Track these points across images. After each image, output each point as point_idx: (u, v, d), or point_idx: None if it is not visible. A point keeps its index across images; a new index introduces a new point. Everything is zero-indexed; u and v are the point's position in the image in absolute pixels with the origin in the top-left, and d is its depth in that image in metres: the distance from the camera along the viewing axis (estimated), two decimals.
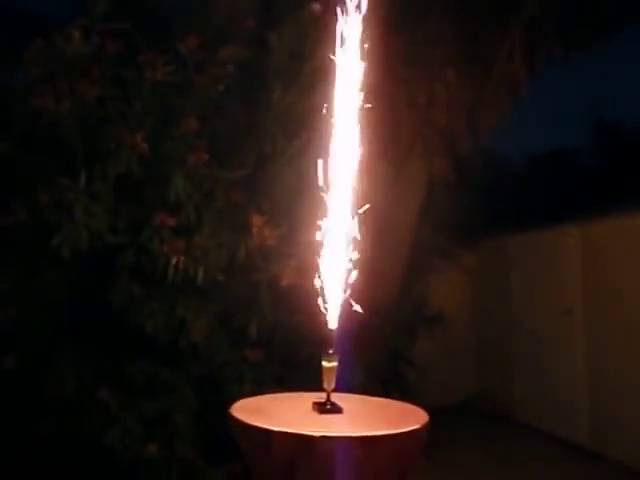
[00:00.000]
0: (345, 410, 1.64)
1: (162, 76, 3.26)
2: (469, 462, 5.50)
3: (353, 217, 1.70)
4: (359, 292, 1.71)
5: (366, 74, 1.75)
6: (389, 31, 3.36)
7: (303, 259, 2.83)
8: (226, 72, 3.44)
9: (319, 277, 1.71)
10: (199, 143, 3.27)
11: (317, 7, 3.52)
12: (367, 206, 1.72)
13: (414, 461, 1.61)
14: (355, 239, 1.70)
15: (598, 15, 4.75)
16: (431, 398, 2.89)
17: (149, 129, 3.22)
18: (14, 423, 3.27)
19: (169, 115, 3.36)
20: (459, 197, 5.98)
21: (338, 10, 1.75)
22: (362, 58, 1.75)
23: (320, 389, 1.68)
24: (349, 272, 1.70)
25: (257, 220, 3.22)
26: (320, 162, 1.70)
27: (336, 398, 1.67)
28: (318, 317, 1.70)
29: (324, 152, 1.72)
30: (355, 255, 1.70)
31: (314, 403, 1.66)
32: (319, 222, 1.72)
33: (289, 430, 1.46)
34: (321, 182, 1.70)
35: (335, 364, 1.67)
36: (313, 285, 1.71)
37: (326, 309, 1.70)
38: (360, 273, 1.71)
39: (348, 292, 1.70)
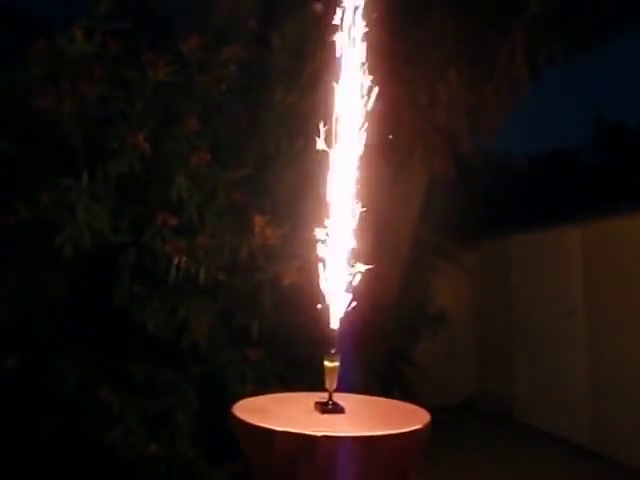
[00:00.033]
0: (347, 410, 1.64)
1: (164, 76, 3.27)
2: (469, 462, 5.49)
3: (354, 217, 1.71)
4: (360, 292, 1.71)
5: (367, 74, 1.75)
6: (390, 31, 3.36)
7: (305, 259, 2.83)
8: (228, 72, 3.44)
9: (321, 277, 1.71)
10: (201, 143, 3.28)
11: (319, 7, 3.52)
12: (366, 208, 1.72)
13: (415, 461, 1.61)
14: (356, 238, 1.71)
15: (599, 15, 4.75)
16: (432, 398, 2.90)
17: (151, 129, 3.22)
18: (16, 423, 3.27)
19: (171, 115, 3.36)
20: (460, 197, 5.97)
21: (339, 10, 1.76)
22: (364, 58, 1.76)
23: (322, 389, 1.68)
24: (351, 273, 1.71)
25: (259, 220, 3.22)
26: (321, 162, 1.71)
27: (338, 398, 1.67)
28: (320, 317, 1.70)
29: (325, 151, 1.72)
30: (358, 258, 1.70)
31: (316, 403, 1.67)
32: (321, 222, 1.72)
33: (291, 430, 1.47)
34: (322, 182, 1.71)
35: (337, 364, 1.67)
36: (315, 285, 1.71)
37: (328, 309, 1.70)
38: (361, 273, 1.71)
39: (350, 292, 1.70)
